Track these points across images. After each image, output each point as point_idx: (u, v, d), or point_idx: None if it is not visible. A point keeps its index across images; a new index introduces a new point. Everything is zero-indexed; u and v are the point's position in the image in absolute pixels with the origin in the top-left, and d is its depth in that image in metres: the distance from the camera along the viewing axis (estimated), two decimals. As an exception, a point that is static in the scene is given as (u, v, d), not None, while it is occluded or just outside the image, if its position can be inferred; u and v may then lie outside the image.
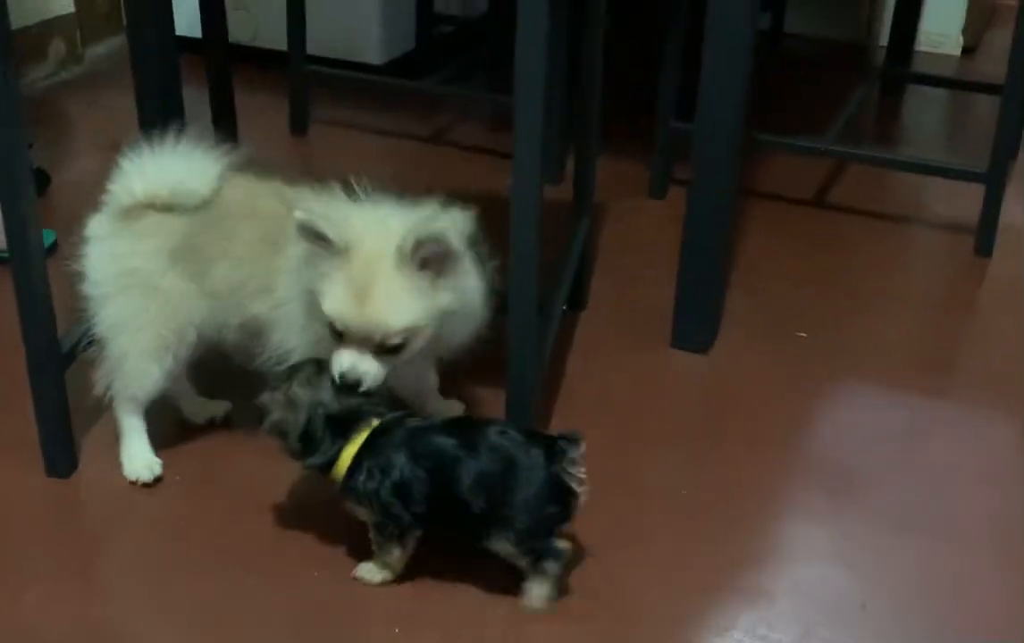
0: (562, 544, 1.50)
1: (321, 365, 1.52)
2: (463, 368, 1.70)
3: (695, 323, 2.08)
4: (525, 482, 1.46)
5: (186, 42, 2.37)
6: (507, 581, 1.59)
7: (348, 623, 1.49)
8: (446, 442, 1.49)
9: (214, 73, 2.43)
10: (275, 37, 3.11)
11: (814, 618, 1.53)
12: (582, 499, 1.50)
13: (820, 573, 1.62)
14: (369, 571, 1.55)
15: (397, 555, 1.52)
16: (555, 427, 1.84)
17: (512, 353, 1.56)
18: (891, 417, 1.97)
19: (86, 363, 1.85)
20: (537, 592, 1.51)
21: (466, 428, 1.53)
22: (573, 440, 1.48)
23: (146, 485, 1.70)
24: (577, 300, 2.18)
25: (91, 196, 1.70)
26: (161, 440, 1.79)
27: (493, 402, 1.70)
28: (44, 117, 2.95)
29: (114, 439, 1.76)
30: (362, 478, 1.48)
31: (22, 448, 1.73)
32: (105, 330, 1.68)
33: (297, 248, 1.54)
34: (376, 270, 1.44)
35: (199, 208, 1.64)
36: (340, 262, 1.45)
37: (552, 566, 1.50)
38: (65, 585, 1.54)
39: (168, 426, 1.83)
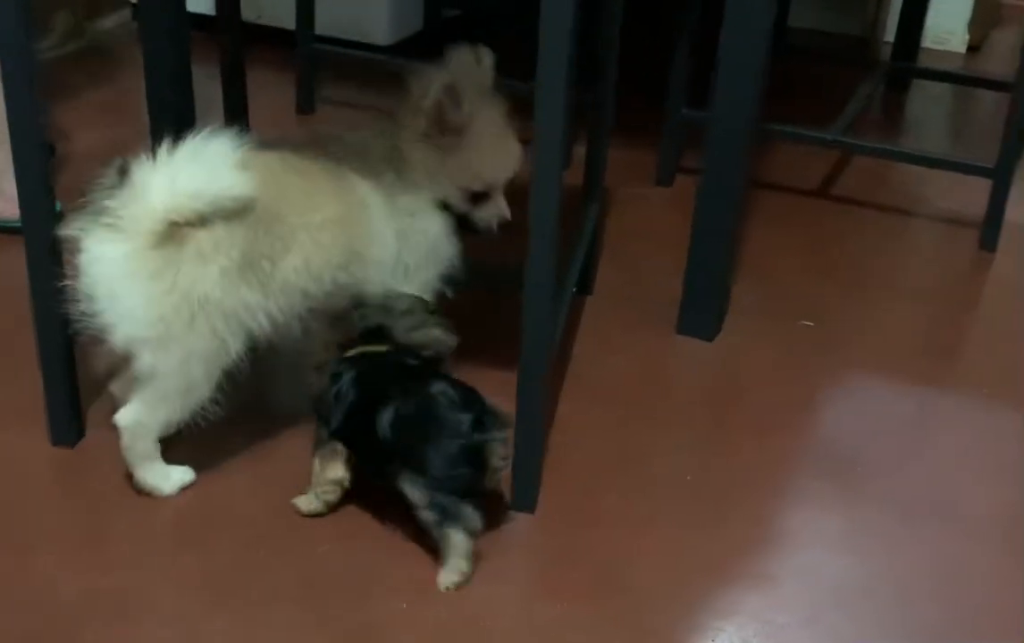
0: (472, 514, 1.50)
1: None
2: (475, 347, 1.72)
3: (702, 310, 2.09)
4: (446, 437, 1.49)
5: (196, 19, 2.36)
6: (517, 561, 1.60)
7: (356, 597, 1.49)
8: (387, 378, 1.57)
9: (227, 52, 2.42)
10: (282, 16, 3.10)
11: (819, 603, 1.54)
12: (498, 476, 1.55)
13: (826, 559, 1.63)
14: (303, 500, 1.61)
15: (319, 472, 1.58)
16: (562, 410, 1.86)
17: (525, 334, 1.56)
18: (896, 406, 1.98)
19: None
20: (448, 567, 1.50)
21: (418, 376, 1.57)
22: (503, 423, 1.53)
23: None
24: (585, 285, 2.19)
25: (96, 168, 1.66)
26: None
27: (505, 382, 1.71)
28: (49, 89, 2.93)
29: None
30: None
31: (30, 417, 1.72)
32: (164, 367, 1.54)
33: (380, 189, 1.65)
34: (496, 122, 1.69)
35: (242, 209, 1.52)
36: (479, 125, 1.67)
37: (459, 537, 1.49)
38: (74, 554, 1.54)
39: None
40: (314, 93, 3.00)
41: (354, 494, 1.66)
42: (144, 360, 1.54)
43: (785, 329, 2.16)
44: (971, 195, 2.62)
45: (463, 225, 1.77)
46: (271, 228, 1.56)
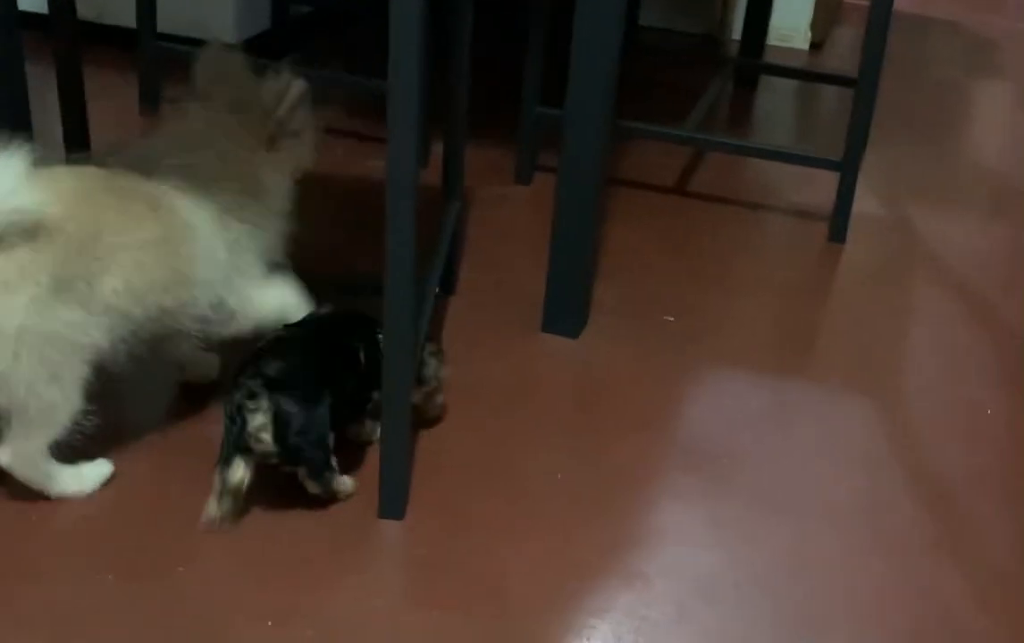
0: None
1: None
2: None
3: (566, 307, 2.08)
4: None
5: (27, 18, 2.23)
6: (386, 572, 1.56)
7: (218, 618, 1.42)
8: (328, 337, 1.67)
9: (62, 51, 2.30)
10: (123, 14, 2.98)
11: (689, 598, 1.55)
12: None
13: (694, 554, 1.64)
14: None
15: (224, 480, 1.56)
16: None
17: (388, 335, 1.51)
18: (757, 399, 2.01)
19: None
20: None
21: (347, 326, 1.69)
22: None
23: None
24: (448, 285, 2.15)
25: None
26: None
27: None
28: None
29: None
30: None
31: None
32: (15, 401, 1.47)
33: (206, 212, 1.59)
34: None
35: (45, 227, 1.42)
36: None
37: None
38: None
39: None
40: (159, 93, 2.88)
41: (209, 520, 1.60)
42: None
43: (647, 325, 2.17)
44: (820, 188, 2.69)
45: None
46: (85, 248, 1.46)
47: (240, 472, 1.54)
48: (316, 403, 1.55)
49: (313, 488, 1.59)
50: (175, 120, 1.75)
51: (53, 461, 1.56)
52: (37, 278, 1.42)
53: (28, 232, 1.40)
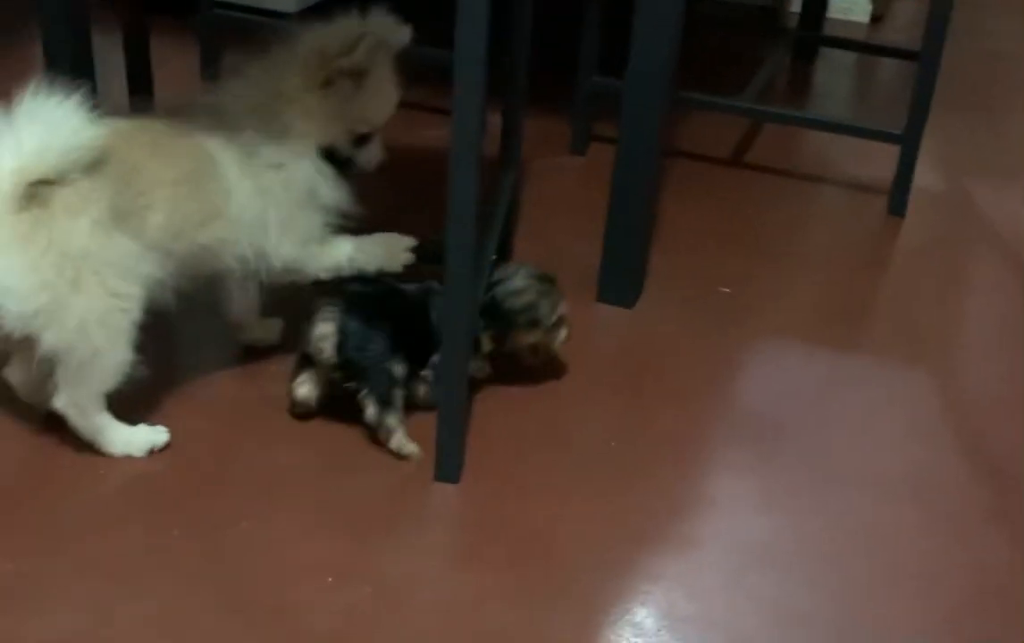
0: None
1: None
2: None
3: (621, 278, 2.09)
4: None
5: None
6: (441, 533, 1.59)
7: (277, 574, 1.46)
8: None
9: (129, 18, 2.34)
10: (185, -18, 3.00)
11: (741, 566, 1.56)
12: None
13: (746, 522, 1.64)
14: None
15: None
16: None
17: (447, 302, 1.54)
18: (811, 371, 2.01)
19: None
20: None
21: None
22: None
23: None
24: (503, 254, 2.16)
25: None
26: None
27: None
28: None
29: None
30: None
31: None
32: (64, 338, 1.49)
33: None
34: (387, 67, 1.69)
35: (100, 162, 1.49)
36: (374, 71, 1.68)
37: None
38: (-24, 539, 1.48)
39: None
40: (219, 61, 2.91)
41: (274, 467, 1.63)
42: (44, 341, 1.49)
43: (703, 296, 2.17)
44: (879, 162, 2.66)
45: (341, 166, 1.76)
46: (131, 183, 1.54)
47: (306, 388, 1.68)
48: (377, 328, 1.65)
49: (369, 413, 1.64)
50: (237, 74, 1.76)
51: (107, 415, 1.60)
52: (98, 204, 1.49)
53: (86, 168, 1.48)
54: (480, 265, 1.74)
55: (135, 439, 1.63)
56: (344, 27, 1.71)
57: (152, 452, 1.63)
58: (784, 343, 2.08)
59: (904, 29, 3.92)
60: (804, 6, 3.45)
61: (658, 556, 1.55)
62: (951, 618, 1.50)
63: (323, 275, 1.75)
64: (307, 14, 3.15)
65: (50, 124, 1.45)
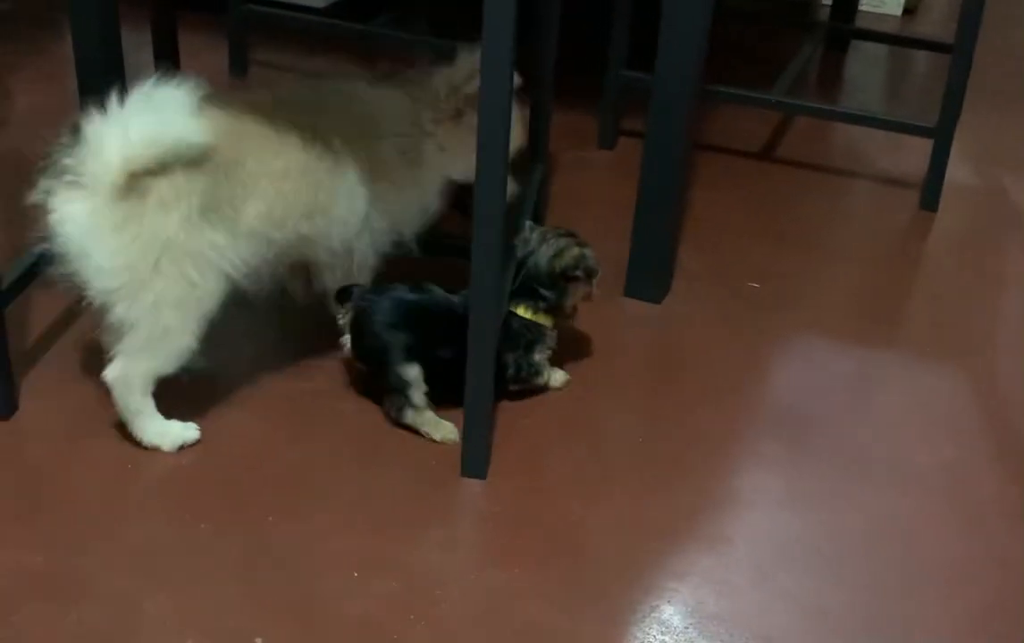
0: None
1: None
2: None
3: (650, 273, 2.07)
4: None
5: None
6: (468, 528, 1.58)
7: (305, 568, 1.46)
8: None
9: (158, 13, 2.35)
10: (214, -23, 3.01)
11: (771, 563, 1.54)
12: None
13: (776, 519, 1.63)
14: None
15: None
16: (511, 374, 1.83)
17: (473, 297, 1.53)
18: (842, 366, 1.99)
19: (27, 303, 1.81)
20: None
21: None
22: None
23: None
24: (530, 248, 2.16)
25: (21, 135, 1.62)
26: (104, 384, 1.75)
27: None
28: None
29: (58, 378, 1.73)
30: None
31: (-42, 391, 1.66)
32: (137, 314, 1.55)
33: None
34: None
35: (202, 156, 1.54)
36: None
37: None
38: (7, 531, 1.49)
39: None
40: (247, 56, 2.92)
41: (303, 463, 1.63)
42: (117, 311, 1.55)
43: (732, 291, 2.16)
44: (911, 155, 2.64)
45: (456, 203, 1.82)
46: (231, 173, 1.57)
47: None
48: (401, 330, 1.67)
49: (387, 411, 1.69)
50: (343, 80, 1.84)
51: (150, 402, 1.63)
52: (190, 199, 1.54)
53: (187, 161, 1.53)
54: (507, 263, 1.74)
55: (168, 433, 1.64)
56: (467, 61, 1.75)
57: (181, 448, 1.64)
58: (814, 339, 2.06)
59: (937, 21, 3.87)
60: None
61: (686, 553, 1.54)
62: (981, 616, 1.49)
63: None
64: (336, 10, 3.20)
65: (160, 118, 1.52)
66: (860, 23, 3.57)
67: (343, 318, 1.71)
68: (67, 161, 1.51)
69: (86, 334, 1.82)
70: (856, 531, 1.61)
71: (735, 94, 2.65)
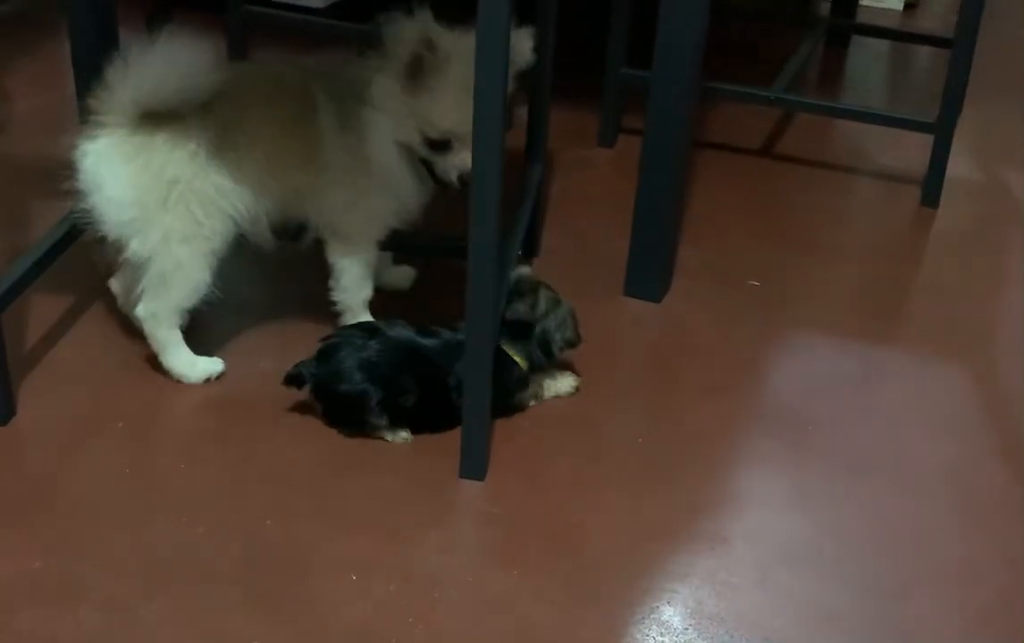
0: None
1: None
2: (419, 313, 1.70)
3: (649, 272, 2.07)
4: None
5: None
6: (467, 530, 1.58)
7: (302, 571, 1.46)
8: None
9: (153, 13, 2.34)
10: (213, -23, 3.01)
11: (771, 563, 1.54)
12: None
13: (776, 518, 1.63)
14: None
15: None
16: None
17: (470, 298, 1.52)
18: (843, 364, 1.98)
19: (24, 306, 1.81)
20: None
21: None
22: None
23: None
24: (529, 247, 2.15)
25: (19, 137, 1.63)
26: (104, 390, 1.75)
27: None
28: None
29: (56, 382, 1.73)
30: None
31: (-44, 396, 1.66)
32: (149, 250, 1.68)
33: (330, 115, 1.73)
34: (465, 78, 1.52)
35: (210, 102, 1.65)
36: (443, 75, 1.65)
37: None
38: (5, 536, 1.49)
39: (109, 372, 1.77)
40: (246, 56, 2.92)
41: (300, 466, 1.63)
42: (132, 247, 1.67)
43: (732, 289, 2.15)
44: (912, 151, 2.63)
45: (432, 174, 1.78)
46: (235, 122, 1.68)
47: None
48: (344, 364, 1.65)
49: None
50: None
51: (178, 334, 1.76)
52: (197, 140, 1.65)
53: (198, 106, 1.65)
54: (504, 262, 1.73)
55: (196, 364, 1.77)
56: (425, 25, 1.69)
57: (208, 381, 1.76)
58: (815, 336, 2.06)
59: (938, 16, 3.86)
60: (836, -6, 3.41)
61: (686, 554, 1.54)
62: (984, 616, 1.48)
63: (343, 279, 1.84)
64: (335, 11, 3.19)
65: (172, 64, 1.63)
66: (861, 18, 3.55)
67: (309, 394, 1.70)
68: (91, 103, 1.65)
69: (83, 339, 1.83)
70: (858, 530, 1.61)
71: (735, 91, 2.64)
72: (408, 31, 1.68)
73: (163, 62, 1.63)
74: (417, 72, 1.67)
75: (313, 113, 1.74)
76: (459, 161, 1.72)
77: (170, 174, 1.65)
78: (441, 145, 1.72)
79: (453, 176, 1.73)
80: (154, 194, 1.65)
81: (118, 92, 1.62)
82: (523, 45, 1.73)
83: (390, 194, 1.79)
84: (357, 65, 1.77)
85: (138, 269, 1.70)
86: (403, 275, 2.04)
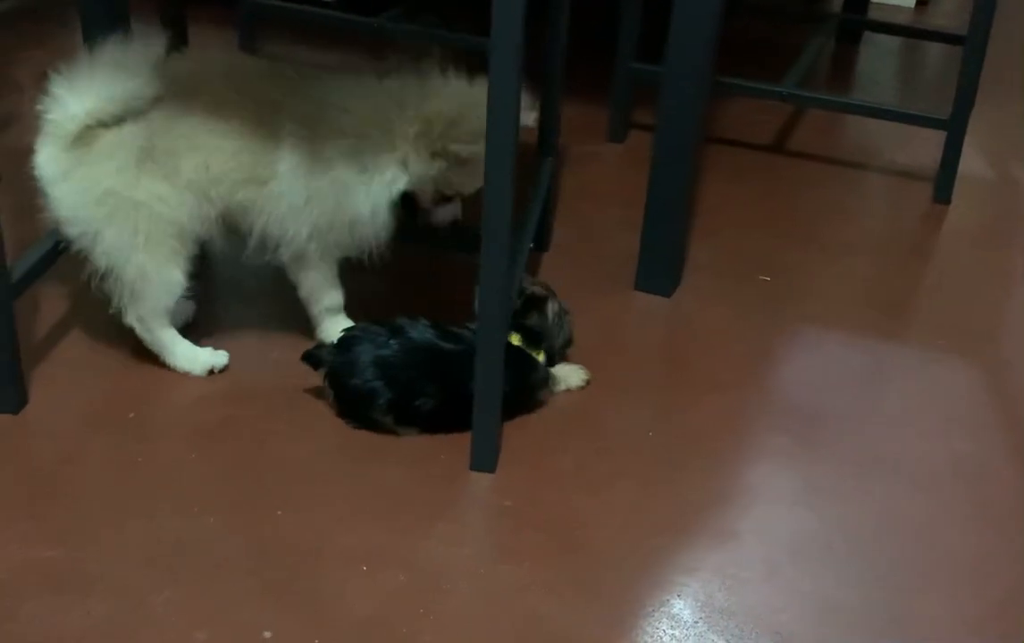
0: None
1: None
2: (432, 307, 1.71)
3: (660, 266, 2.07)
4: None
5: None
6: (477, 522, 1.58)
7: (312, 562, 1.46)
8: None
9: (168, 5, 2.34)
10: (224, -30, 3.01)
11: (780, 558, 1.53)
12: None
13: (785, 514, 1.62)
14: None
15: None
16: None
17: (482, 291, 1.52)
18: (853, 360, 1.98)
19: (36, 296, 1.81)
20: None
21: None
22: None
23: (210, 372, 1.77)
24: (541, 242, 2.15)
25: (32, 128, 1.64)
26: (115, 379, 1.75)
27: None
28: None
29: (67, 372, 1.74)
30: None
31: (-33, 385, 1.66)
32: (110, 261, 1.67)
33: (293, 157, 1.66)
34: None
35: (149, 109, 1.63)
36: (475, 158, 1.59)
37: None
38: (15, 525, 1.49)
39: (120, 362, 1.78)
40: (257, 49, 2.92)
41: (311, 456, 1.63)
42: (95, 258, 1.67)
43: (742, 284, 2.15)
44: (923, 148, 2.62)
45: (413, 214, 1.76)
46: (172, 125, 1.64)
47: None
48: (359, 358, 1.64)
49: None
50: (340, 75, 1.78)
51: (171, 332, 1.75)
52: (129, 148, 1.63)
53: (137, 113, 1.63)
54: (516, 255, 1.73)
55: (197, 358, 1.76)
56: (477, 113, 1.56)
57: (212, 373, 1.76)
58: (825, 332, 2.05)
59: (950, 13, 3.86)
60: (848, -10, 3.41)
61: (696, 548, 1.54)
62: (994, 612, 1.48)
63: (301, 289, 1.80)
64: (346, 4, 3.19)
65: (116, 75, 1.61)
66: (872, 15, 3.55)
67: (322, 380, 1.69)
68: (43, 111, 1.63)
69: (94, 328, 1.83)
70: (868, 525, 1.60)
71: (746, 86, 2.64)
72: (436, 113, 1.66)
73: (108, 73, 1.61)
74: (447, 155, 1.67)
75: (271, 143, 1.67)
76: (455, 209, 1.77)
77: (104, 186, 1.63)
78: (448, 199, 1.75)
79: (447, 221, 1.77)
80: (96, 208, 1.63)
81: (59, 104, 1.60)
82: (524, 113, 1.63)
83: (352, 237, 1.73)
84: (374, 106, 1.69)
85: (109, 278, 1.69)
86: None
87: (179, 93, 1.65)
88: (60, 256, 1.77)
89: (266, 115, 1.67)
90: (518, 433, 1.69)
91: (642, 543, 1.54)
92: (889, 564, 1.54)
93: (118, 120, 1.61)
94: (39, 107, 1.62)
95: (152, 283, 1.68)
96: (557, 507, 1.58)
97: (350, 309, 1.83)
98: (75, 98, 1.60)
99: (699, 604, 1.45)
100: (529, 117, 1.77)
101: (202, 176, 1.66)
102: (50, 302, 1.88)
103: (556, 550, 1.51)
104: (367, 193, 1.68)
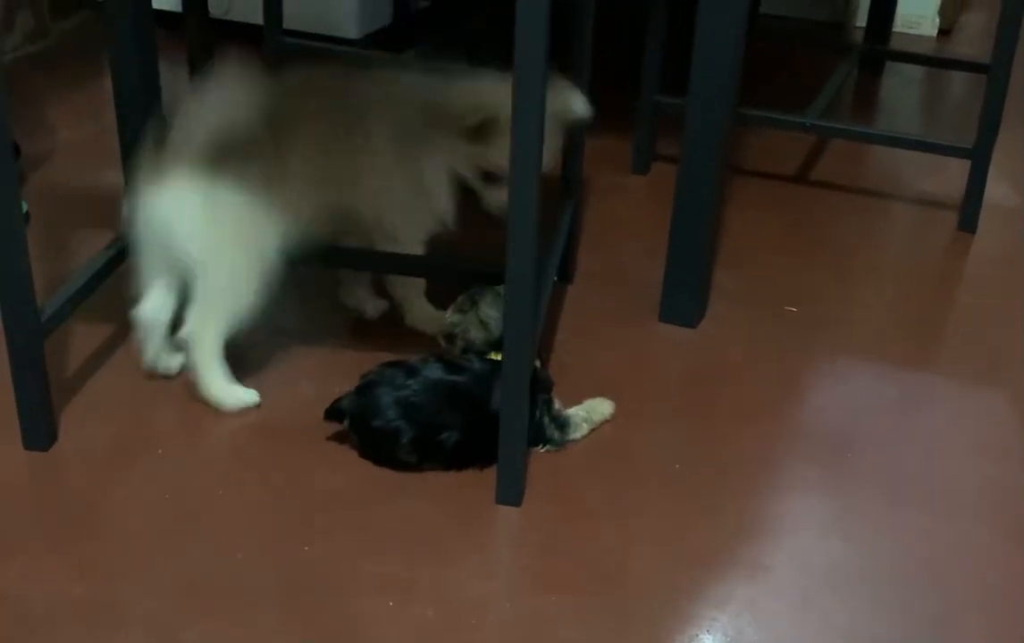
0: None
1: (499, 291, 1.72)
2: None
3: (685, 296, 2.06)
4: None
5: (162, 17, 2.31)
6: (504, 556, 1.57)
7: (340, 596, 1.46)
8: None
9: (195, 46, 2.38)
10: (250, 10, 3.05)
11: (812, 589, 1.52)
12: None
13: (816, 544, 1.61)
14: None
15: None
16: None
17: (507, 324, 1.53)
18: (881, 390, 1.97)
19: (66, 334, 1.83)
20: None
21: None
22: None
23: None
24: (565, 274, 2.16)
25: (61, 168, 1.65)
26: (143, 416, 1.76)
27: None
28: (10, 90, 2.86)
29: (96, 408, 1.75)
30: None
31: (1, 421, 1.67)
32: (208, 271, 1.72)
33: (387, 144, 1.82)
34: None
35: (257, 135, 1.70)
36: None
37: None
38: (46, 559, 1.50)
39: (148, 399, 1.79)
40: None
41: (336, 493, 1.63)
42: (190, 255, 1.72)
43: (768, 314, 2.14)
44: (949, 176, 2.61)
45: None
46: (284, 140, 1.74)
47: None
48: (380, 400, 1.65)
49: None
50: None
51: (218, 360, 1.77)
52: (250, 175, 1.70)
53: (247, 141, 1.70)
54: (541, 285, 1.73)
55: (232, 392, 1.78)
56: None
57: (242, 410, 1.77)
58: (852, 362, 2.04)
59: (973, 41, 3.85)
60: (870, 20, 3.41)
61: (725, 581, 1.53)
62: (1030, 644, 1.46)
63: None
64: (370, 40, 3.22)
65: (234, 103, 1.70)
66: (895, 45, 3.55)
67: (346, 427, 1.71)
68: (151, 149, 1.71)
69: (122, 365, 1.84)
70: (899, 556, 1.59)
71: (770, 118, 2.64)
72: (472, 103, 1.80)
73: (221, 107, 1.70)
74: (483, 131, 1.78)
75: (363, 135, 1.81)
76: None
77: (227, 202, 1.70)
78: (494, 178, 1.82)
79: (502, 204, 1.76)
80: (215, 222, 1.70)
81: (191, 126, 1.69)
82: (574, 102, 1.86)
83: (428, 206, 1.88)
84: (423, 93, 1.85)
85: (189, 282, 1.75)
86: (373, 305, 2.05)
87: (277, 122, 1.74)
88: (90, 295, 1.78)
89: (353, 118, 1.81)
90: (544, 466, 1.69)
91: (671, 576, 1.53)
92: (921, 594, 1.52)
93: (231, 149, 1.68)
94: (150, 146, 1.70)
95: (235, 292, 1.73)
96: (585, 540, 1.58)
97: (373, 333, 1.84)
98: (203, 121, 1.69)
99: (729, 638, 1.44)
100: (580, 105, 1.88)
101: (308, 183, 1.76)
102: (80, 341, 1.90)
103: (584, 583, 1.50)
104: (428, 163, 1.84)
